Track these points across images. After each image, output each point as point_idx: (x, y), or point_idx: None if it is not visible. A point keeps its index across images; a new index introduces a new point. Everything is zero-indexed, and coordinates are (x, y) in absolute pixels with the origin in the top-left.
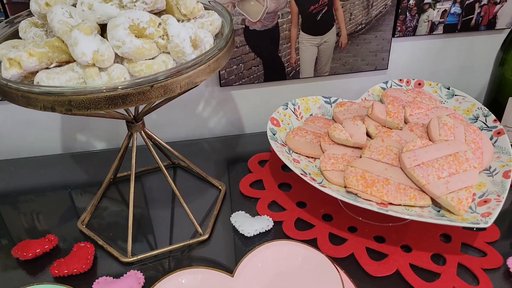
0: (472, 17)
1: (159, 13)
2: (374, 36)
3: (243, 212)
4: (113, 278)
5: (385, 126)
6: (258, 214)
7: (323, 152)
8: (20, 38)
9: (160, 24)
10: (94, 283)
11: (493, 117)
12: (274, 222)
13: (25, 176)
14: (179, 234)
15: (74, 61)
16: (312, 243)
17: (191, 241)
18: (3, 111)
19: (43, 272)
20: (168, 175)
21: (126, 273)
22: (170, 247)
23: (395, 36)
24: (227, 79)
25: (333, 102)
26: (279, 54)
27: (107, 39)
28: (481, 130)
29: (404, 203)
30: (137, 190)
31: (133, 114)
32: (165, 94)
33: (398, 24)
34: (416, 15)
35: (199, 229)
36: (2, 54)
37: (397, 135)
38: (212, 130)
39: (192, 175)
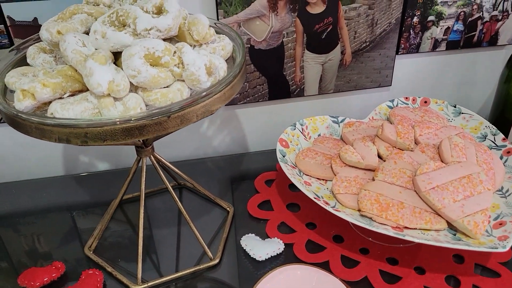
0: (475, 34)
1: (170, 39)
2: (378, 53)
3: (253, 234)
4: None
5: (395, 147)
6: (268, 237)
7: (335, 175)
8: (27, 64)
9: (175, 52)
10: None
11: (501, 136)
12: (285, 244)
13: (28, 199)
14: (187, 258)
15: (88, 89)
16: (325, 266)
17: (201, 266)
18: (4, 133)
19: None
20: (176, 198)
21: None
22: (180, 273)
23: (399, 53)
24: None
25: (341, 122)
26: (284, 73)
27: (121, 67)
28: (490, 149)
29: (420, 227)
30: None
31: (143, 139)
32: (182, 124)
33: (402, 41)
34: (420, 32)
35: (210, 254)
36: (11, 83)
37: (409, 156)
38: (216, 149)
39: (198, 195)
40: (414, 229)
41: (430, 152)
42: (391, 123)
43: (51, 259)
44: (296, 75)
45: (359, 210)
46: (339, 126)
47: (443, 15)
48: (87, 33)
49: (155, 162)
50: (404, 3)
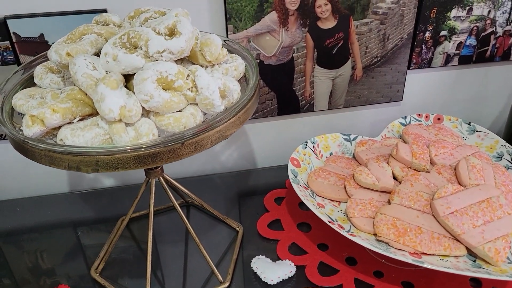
0: (488, 49)
1: (181, 60)
2: (390, 68)
3: (264, 256)
4: None
5: (410, 168)
6: (279, 258)
7: (349, 197)
8: (35, 84)
9: (188, 75)
10: None
11: None
12: (296, 266)
13: (32, 217)
14: (196, 280)
15: (97, 113)
16: None
17: None
18: (7, 149)
19: None
20: (184, 217)
21: None
22: None
23: (411, 68)
24: None
25: (353, 140)
26: (294, 88)
27: (132, 90)
28: (507, 169)
29: (438, 253)
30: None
31: None
32: (196, 150)
33: (413, 56)
34: (432, 47)
35: (219, 277)
36: (19, 105)
37: (425, 178)
38: (224, 164)
39: (206, 213)
40: (433, 255)
41: (447, 173)
42: (404, 141)
43: (56, 279)
44: (306, 90)
45: (375, 234)
46: (351, 144)
47: (456, 30)
48: (97, 54)
49: (164, 183)
50: (416, 18)
